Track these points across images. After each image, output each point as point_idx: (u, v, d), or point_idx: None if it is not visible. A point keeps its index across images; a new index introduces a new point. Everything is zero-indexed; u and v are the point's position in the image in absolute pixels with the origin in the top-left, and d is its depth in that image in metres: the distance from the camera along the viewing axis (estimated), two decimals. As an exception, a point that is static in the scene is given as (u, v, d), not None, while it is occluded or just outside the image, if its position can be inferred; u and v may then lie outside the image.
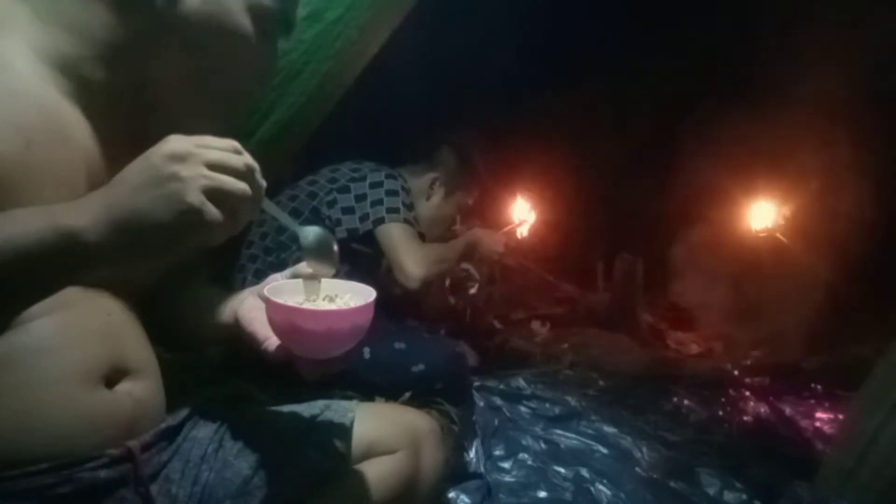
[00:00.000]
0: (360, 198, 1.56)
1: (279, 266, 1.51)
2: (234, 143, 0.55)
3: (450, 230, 1.84)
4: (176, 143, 0.51)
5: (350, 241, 1.55)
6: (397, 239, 1.52)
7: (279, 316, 0.65)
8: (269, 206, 0.62)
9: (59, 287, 0.55)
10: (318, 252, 0.72)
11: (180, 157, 0.50)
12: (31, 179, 0.57)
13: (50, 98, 0.61)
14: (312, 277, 0.72)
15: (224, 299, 0.80)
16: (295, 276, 0.74)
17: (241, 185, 0.52)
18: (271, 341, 0.71)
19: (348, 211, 1.55)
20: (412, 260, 1.50)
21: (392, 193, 1.56)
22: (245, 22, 0.66)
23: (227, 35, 0.66)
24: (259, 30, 0.68)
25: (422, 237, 1.61)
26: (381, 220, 1.52)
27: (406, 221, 1.54)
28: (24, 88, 0.58)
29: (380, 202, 1.54)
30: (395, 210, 1.54)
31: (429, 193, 1.75)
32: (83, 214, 0.49)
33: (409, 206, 1.59)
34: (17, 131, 0.56)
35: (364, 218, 1.54)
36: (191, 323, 0.82)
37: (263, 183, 0.57)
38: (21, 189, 0.56)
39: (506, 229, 1.92)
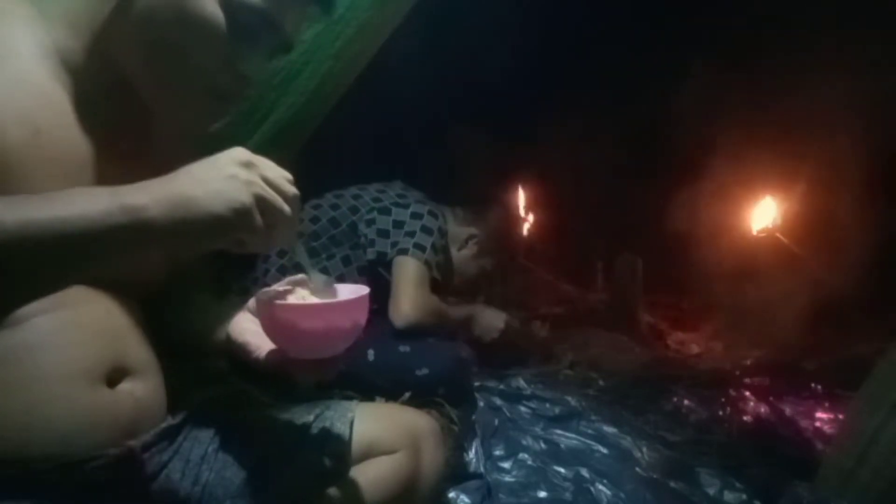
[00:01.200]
0: (398, 224, 1.56)
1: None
2: (289, 175, 0.60)
3: (467, 286, 1.85)
4: (241, 152, 0.57)
5: (377, 265, 1.54)
6: (407, 275, 1.50)
7: (276, 316, 0.65)
8: (297, 247, 0.68)
9: (116, 263, 0.55)
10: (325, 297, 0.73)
11: (244, 163, 0.56)
12: (39, 166, 0.58)
13: (55, 88, 0.62)
14: (303, 283, 0.72)
15: (224, 316, 0.80)
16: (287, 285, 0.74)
17: (287, 207, 0.57)
18: (262, 350, 0.71)
19: (383, 234, 1.55)
20: (411, 300, 1.48)
21: (427, 231, 1.55)
22: (209, 5, 0.62)
23: (183, 15, 0.62)
24: (234, 24, 0.64)
25: (438, 283, 1.60)
26: (404, 251, 1.52)
27: (426, 263, 1.53)
28: (31, 78, 0.60)
29: (412, 234, 1.54)
30: (421, 248, 1.53)
31: (462, 245, 1.76)
32: (146, 194, 0.52)
33: (438, 250, 1.57)
34: (25, 119, 0.57)
35: (394, 245, 1.53)
36: (192, 336, 0.82)
37: (298, 222, 0.62)
38: (30, 176, 0.57)
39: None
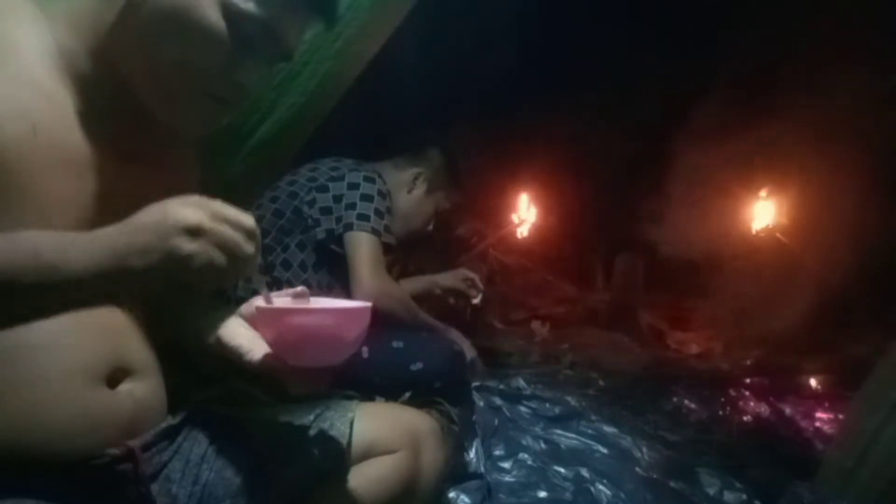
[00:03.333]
0: (338, 199, 1.55)
1: (265, 269, 1.51)
2: (250, 224, 0.56)
3: (425, 229, 1.84)
4: (190, 214, 0.52)
5: (328, 243, 1.55)
6: (359, 250, 1.51)
7: (281, 320, 0.64)
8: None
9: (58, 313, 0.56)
10: None
11: (190, 230, 0.52)
12: (37, 164, 0.58)
13: (56, 88, 0.62)
14: (303, 295, 0.72)
15: (217, 322, 0.78)
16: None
17: (232, 269, 0.55)
18: (255, 353, 0.70)
19: (326, 211, 1.55)
20: (369, 272, 1.48)
21: (366, 198, 1.55)
22: (212, 15, 0.62)
23: (186, 23, 0.62)
24: (235, 34, 0.64)
25: (389, 247, 1.59)
26: (350, 226, 1.52)
27: (374, 231, 1.53)
28: (30, 75, 0.60)
29: (353, 206, 1.53)
30: (365, 217, 1.52)
31: (411, 187, 1.75)
32: (87, 257, 0.51)
33: (383, 213, 1.56)
34: (23, 116, 0.58)
35: (339, 220, 1.54)
36: (185, 340, 0.81)
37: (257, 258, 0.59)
38: (28, 173, 0.57)
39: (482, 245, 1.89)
